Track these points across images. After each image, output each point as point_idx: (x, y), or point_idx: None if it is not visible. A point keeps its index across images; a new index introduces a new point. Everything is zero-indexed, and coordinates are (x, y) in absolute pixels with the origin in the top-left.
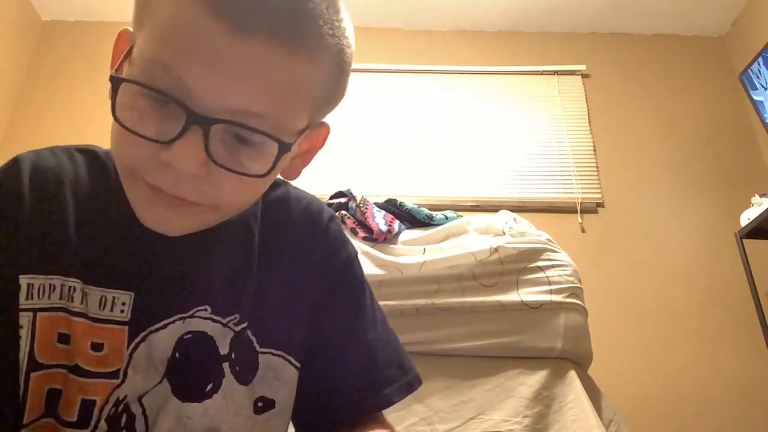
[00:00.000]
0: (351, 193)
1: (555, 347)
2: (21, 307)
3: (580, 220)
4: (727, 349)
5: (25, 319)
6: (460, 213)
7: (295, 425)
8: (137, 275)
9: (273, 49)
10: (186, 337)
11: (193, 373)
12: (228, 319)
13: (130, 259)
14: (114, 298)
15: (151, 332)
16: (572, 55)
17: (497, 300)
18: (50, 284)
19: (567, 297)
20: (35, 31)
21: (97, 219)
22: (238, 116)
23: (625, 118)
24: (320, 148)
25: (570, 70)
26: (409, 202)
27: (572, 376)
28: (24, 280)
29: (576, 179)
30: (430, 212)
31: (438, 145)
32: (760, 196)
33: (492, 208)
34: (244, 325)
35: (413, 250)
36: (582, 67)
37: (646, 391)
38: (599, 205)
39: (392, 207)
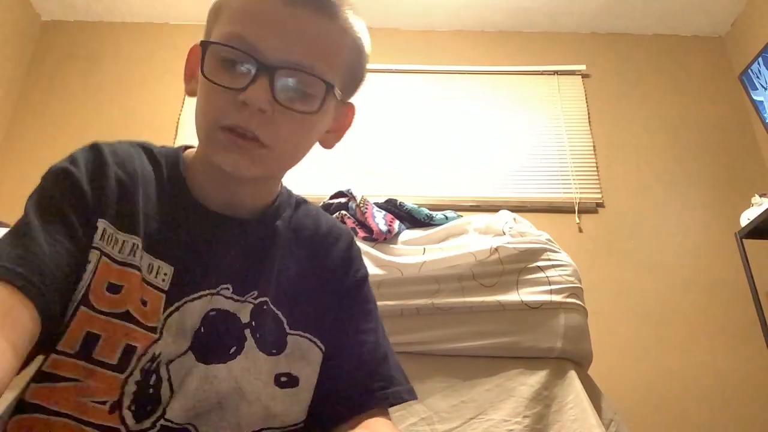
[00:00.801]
0: (351, 193)
1: (555, 347)
2: (93, 244)
3: (577, 220)
4: (727, 349)
5: (94, 255)
6: (460, 213)
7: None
8: (179, 251)
9: (316, 17)
10: (211, 314)
11: (217, 340)
12: (246, 296)
13: (176, 237)
14: (159, 267)
15: (187, 302)
16: (572, 55)
17: (497, 300)
18: (119, 239)
19: (567, 297)
20: (35, 31)
21: (154, 199)
22: (294, 65)
23: (625, 118)
24: (350, 125)
25: (570, 70)
26: (409, 202)
27: (572, 376)
28: (101, 224)
29: (575, 179)
30: (430, 212)
31: (438, 145)
32: (760, 196)
33: (492, 208)
34: (264, 299)
35: (413, 250)
36: (582, 67)
37: (646, 391)
38: (599, 205)
39: (392, 207)
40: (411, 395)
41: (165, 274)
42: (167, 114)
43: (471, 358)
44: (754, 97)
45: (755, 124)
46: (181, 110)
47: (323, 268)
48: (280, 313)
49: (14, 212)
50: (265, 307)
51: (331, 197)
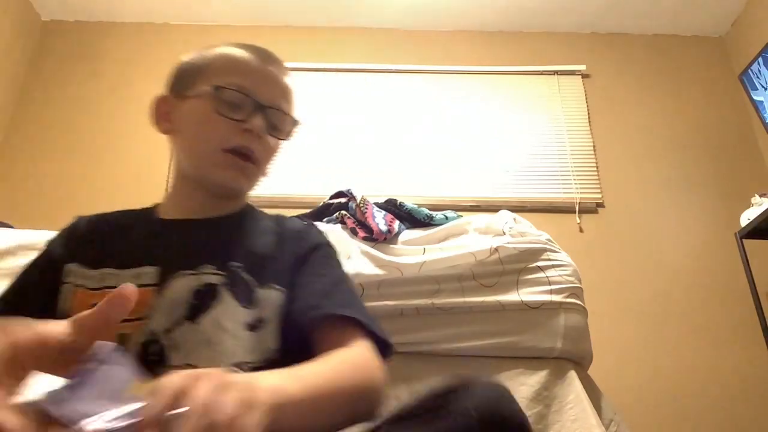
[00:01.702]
0: (351, 193)
1: (555, 347)
2: (64, 280)
3: (578, 220)
4: (727, 349)
5: (67, 288)
6: (460, 213)
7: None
8: (159, 254)
9: (283, 73)
10: (201, 289)
11: (202, 303)
12: (224, 268)
13: (150, 245)
14: (144, 273)
15: (171, 281)
16: (572, 55)
17: (497, 300)
18: (90, 274)
19: (567, 297)
20: (35, 31)
21: (131, 230)
22: (277, 107)
23: (625, 118)
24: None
25: (570, 70)
26: (409, 202)
27: (572, 376)
28: (69, 268)
29: (575, 179)
30: (430, 212)
31: (438, 145)
32: (760, 196)
33: (492, 208)
34: (238, 265)
35: (413, 250)
36: (582, 67)
37: (646, 391)
38: (599, 205)
39: (392, 207)
40: (370, 322)
41: (148, 273)
42: None
43: (471, 358)
44: (754, 97)
45: (755, 124)
46: None
47: (283, 237)
48: (250, 277)
49: (14, 212)
50: (233, 268)
51: (331, 197)
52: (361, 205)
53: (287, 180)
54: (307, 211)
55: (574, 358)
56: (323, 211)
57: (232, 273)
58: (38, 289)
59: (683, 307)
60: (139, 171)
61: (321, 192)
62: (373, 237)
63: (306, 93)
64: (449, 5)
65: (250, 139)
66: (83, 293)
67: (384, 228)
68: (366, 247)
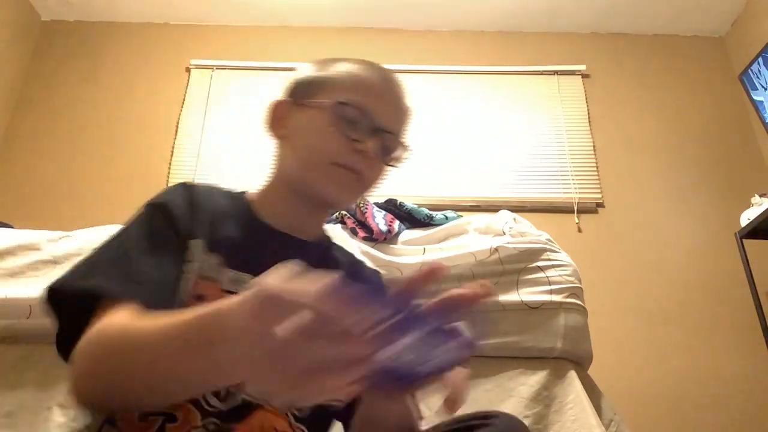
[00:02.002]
0: None
1: (555, 347)
2: (187, 260)
3: (577, 220)
4: (727, 349)
5: (188, 268)
6: (460, 213)
7: None
8: (256, 263)
9: (401, 93)
10: None
11: None
12: None
13: (252, 253)
14: (241, 278)
15: None
16: (572, 55)
17: (497, 300)
18: (205, 257)
19: (567, 297)
20: (35, 31)
21: (232, 224)
22: (392, 130)
23: (625, 118)
24: None
25: (570, 70)
26: (409, 202)
27: (572, 376)
28: (193, 244)
29: (574, 179)
30: (430, 212)
31: (438, 145)
32: (760, 196)
33: (492, 208)
34: None
35: (413, 250)
36: (582, 67)
37: (646, 391)
38: (599, 205)
39: (392, 207)
40: None
41: (246, 283)
42: (167, 114)
43: (471, 358)
44: (754, 97)
45: (755, 124)
46: (181, 110)
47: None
48: None
49: (14, 212)
50: None
51: None
52: (361, 205)
53: None
54: None
55: (574, 358)
56: None
57: None
58: (174, 262)
59: (683, 307)
60: (139, 171)
61: None
62: (373, 237)
63: None
64: (450, 5)
65: (361, 160)
66: (193, 279)
67: (384, 228)
68: (366, 247)
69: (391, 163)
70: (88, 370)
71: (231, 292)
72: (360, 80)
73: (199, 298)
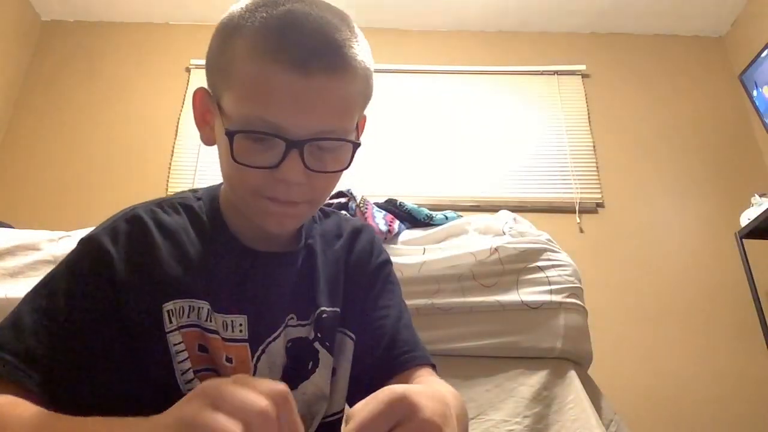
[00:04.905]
0: (351, 193)
1: (555, 347)
2: (169, 329)
3: (578, 220)
4: (727, 349)
5: (177, 336)
6: (460, 213)
7: (351, 391)
8: (245, 300)
9: (332, 81)
10: (288, 345)
11: (301, 366)
12: (309, 318)
13: (237, 286)
14: (232, 321)
15: (269, 343)
16: (572, 55)
17: (497, 300)
18: (184, 306)
19: (567, 297)
20: (35, 31)
21: (208, 255)
22: (318, 135)
23: (625, 118)
24: (362, 131)
25: (570, 70)
26: (409, 202)
27: (572, 376)
28: (165, 308)
29: (575, 179)
30: (430, 212)
31: (438, 145)
32: (760, 196)
33: (492, 208)
34: (321, 309)
35: (413, 250)
36: (582, 67)
37: (646, 391)
38: (599, 205)
39: (392, 207)
40: (427, 358)
41: (240, 325)
42: (167, 114)
43: (471, 358)
44: (754, 97)
45: (755, 124)
46: (181, 110)
47: (348, 264)
48: (333, 323)
49: (14, 212)
50: (324, 315)
51: (331, 197)
52: (361, 205)
53: None
54: None
55: (574, 358)
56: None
57: (321, 322)
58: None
59: (683, 306)
60: (139, 171)
61: None
62: None
63: None
64: (450, 5)
65: (287, 188)
66: (188, 334)
67: (384, 228)
68: None
69: (336, 169)
70: None
71: (233, 340)
72: (258, 82)
73: (203, 348)
